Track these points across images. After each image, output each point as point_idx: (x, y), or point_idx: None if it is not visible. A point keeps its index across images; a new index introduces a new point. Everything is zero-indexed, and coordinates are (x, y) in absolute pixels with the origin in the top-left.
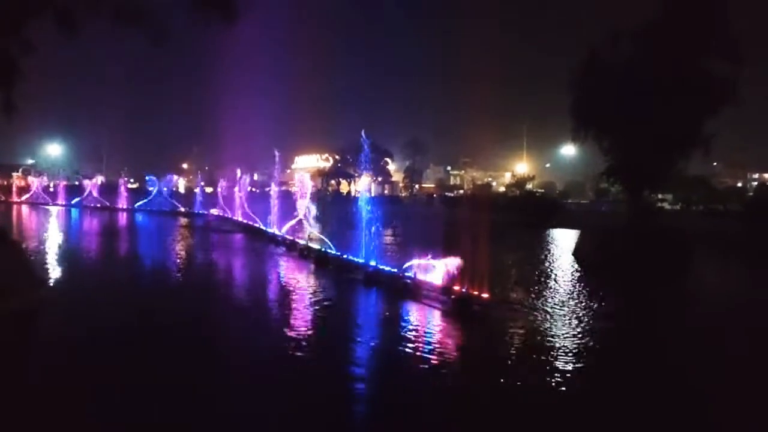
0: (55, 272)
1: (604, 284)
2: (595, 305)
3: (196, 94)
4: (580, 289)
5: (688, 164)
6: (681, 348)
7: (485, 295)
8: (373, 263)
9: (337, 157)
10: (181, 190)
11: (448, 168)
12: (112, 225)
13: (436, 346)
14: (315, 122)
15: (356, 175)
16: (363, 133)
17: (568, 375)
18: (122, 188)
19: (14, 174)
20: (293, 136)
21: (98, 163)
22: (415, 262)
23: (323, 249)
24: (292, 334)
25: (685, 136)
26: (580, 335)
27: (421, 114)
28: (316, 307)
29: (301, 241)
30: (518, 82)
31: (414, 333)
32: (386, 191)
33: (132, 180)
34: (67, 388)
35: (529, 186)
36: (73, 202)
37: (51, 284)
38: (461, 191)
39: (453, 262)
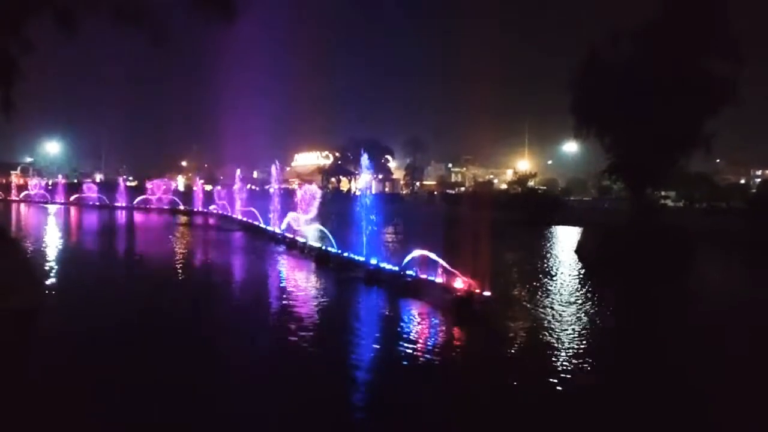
0: (54, 270)
1: (606, 282)
2: (597, 303)
3: (196, 92)
4: (582, 287)
5: (690, 161)
6: (683, 347)
7: (487, 293)
8: (374, 261)
9: (337, 154)
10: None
11: (450, 165)
12: (111, 223)
13: (437, 344)
14: (315, 121)
15: (356, 172)
16: (364, 131)
17: (569, 374)
18: (121, 186)
19: (12, 172)
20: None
21: (97, 161)
22: (416, 253)
23: (324, 247)
24: (291, 333)
25: (686, 135)
26: (581, 333)
27: (421, 114)
28: (316, 306)
29: (301, 239)
30: (518, 82)
31: (414, 331)
32: (387, 189)
33: (131, 178)
34: (66, 388)
35: (531, 183)
36: (71, 199)
37: (50, 282)
38: (462, 189)
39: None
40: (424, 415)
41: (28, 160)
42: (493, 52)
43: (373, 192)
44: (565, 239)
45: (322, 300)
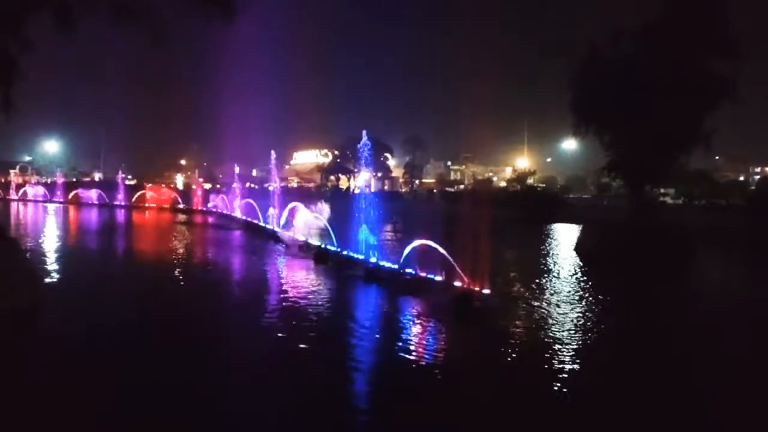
0: (53, 269)
1: (605, 280)
2: (597, 301)
3: (196, 91)
4: (582, 284)
5: (690, 159)
6: (682, 345)
7: (486, 291)
8: (373, 259)
9: (336, 152)
10: (180, 186)
11: (449, 163)
12: (110, 221)
13: (437, 343)
14: (314, 120)
15: (355, 170)
16: (364, 132)
17: (569, 372)
18: (120, 184)
19: (12, 171)
20: (293, 133)
21: (96, 160)
22: (416, 243)
23: (323, 245)
24: (291, 332)
25: (685, 133)
26: (581, 331)
27: (421, 113)
28: (316, 305)
29: (301, 238)
30: (518, 81)
31: (414, 330)
32: (386, 187)
33: (130, 177)
34: (66, 388)
35: (530, 181)
36: (70, 197)
37: (49, 281)
38: (462, 186)
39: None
40: (424, 414)
41: (27, 159)
42: (493, 52)
43: (373, 190)
44: (565, 237)
45: (322, 299)
